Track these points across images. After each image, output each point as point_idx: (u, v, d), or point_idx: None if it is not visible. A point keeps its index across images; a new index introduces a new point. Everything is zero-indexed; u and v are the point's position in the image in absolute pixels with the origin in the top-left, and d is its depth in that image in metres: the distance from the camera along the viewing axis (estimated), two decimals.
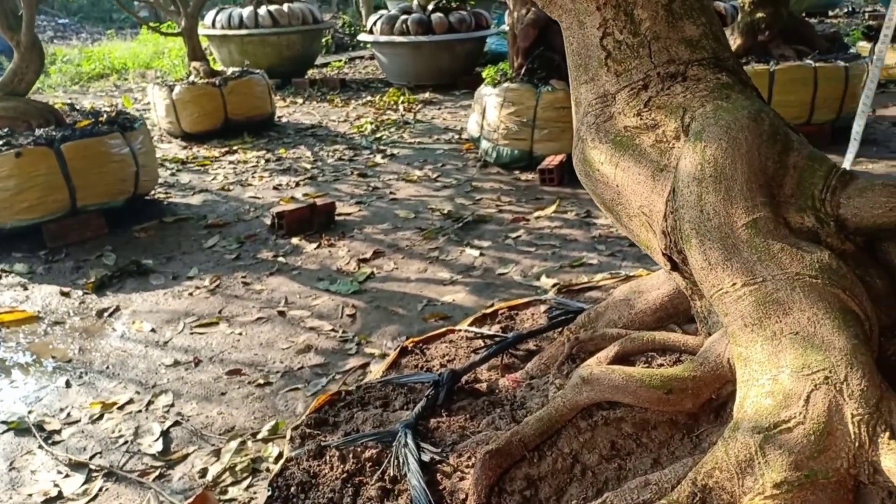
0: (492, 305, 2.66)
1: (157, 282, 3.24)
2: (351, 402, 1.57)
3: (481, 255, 3.37)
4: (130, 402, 2.33)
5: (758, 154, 0.95)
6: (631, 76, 1.01)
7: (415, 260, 3.36)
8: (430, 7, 7.78)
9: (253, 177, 4.84)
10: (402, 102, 7.08)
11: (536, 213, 3.88)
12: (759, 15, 4.88)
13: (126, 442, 2.13)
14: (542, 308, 2.01)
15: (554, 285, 2.38)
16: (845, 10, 12.45)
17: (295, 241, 3.64)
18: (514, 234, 3.59)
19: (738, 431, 0.87)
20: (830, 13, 12.06)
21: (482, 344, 1.77)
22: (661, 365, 1.26)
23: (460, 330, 1.91)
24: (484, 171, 4.75)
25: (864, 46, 6.35)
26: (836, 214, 0.96)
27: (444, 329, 1.97)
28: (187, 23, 6.09)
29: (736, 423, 0.88)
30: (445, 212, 3.98)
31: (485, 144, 4.88)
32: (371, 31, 7.92)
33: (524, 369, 1.55)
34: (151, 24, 7.52)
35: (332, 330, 2.73)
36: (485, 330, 1.85)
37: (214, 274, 3.28)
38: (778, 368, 0.86)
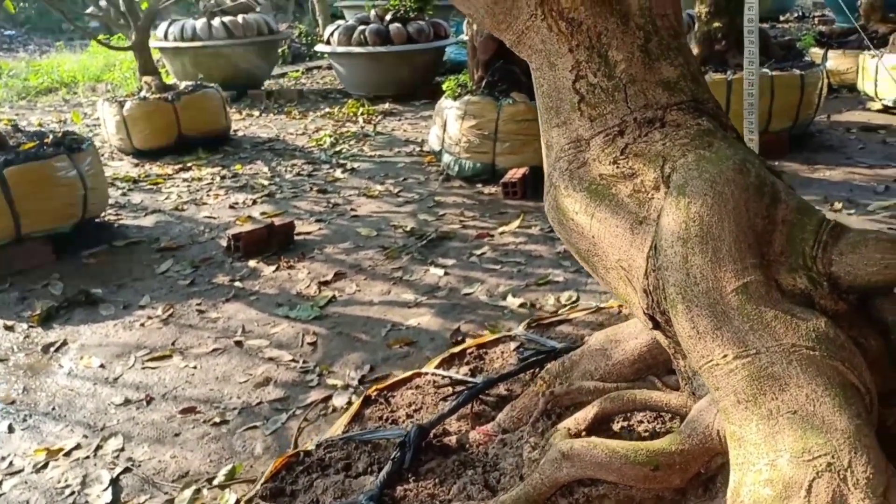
0: (462, 340, 2.59)
1: (106, 312, 3.09)
2: (310, 465, 1.47)
3: (446, 274, 3.29)
4: (78, 447, 2.20)
5: (745, 210, 0.89)
6: (606, 121, 0.94)
7: (378, 281, 3.27)
8: (388, 17, 7.69)
9: (208, 195, 4.69)
10: (362, 114, 6.97)
11: (501, 229, 3.82)
12: (716, 24, 4.90)
13: (73, 493, 2.01)
14: (512, 345, 1.94)
15: (527, 322, 2.30)
16: (795, 14, 12.70)
17: (252, 263, 3.52)
18: (478, 251, 3.53)
19: None
20: (781, 18, 12.28)
21: (451, 390, 1.69)
22: (641, 422, 1.20)
23: (427, 373, 1.83)
24: (446, 185, 4.68)
25: (816, 53, 6.44)
26: (828, 272, 0.91)
27: (409, 373, 1.88)
28: (138, 36, 5.91)
29: None
30: (408, 229, 3.90)
31: (446, 158, 4.81)
32: (328, 42, 7.80)
33: (496, 420, 1.48)
34: (101, 38, 7.29)
35: (293, 360, 2.63)
36: (453, 372, 1.78)
37: (167, 302, 3.14)
38: (776, 452, 0.80)
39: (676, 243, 0.87)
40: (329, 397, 2.38)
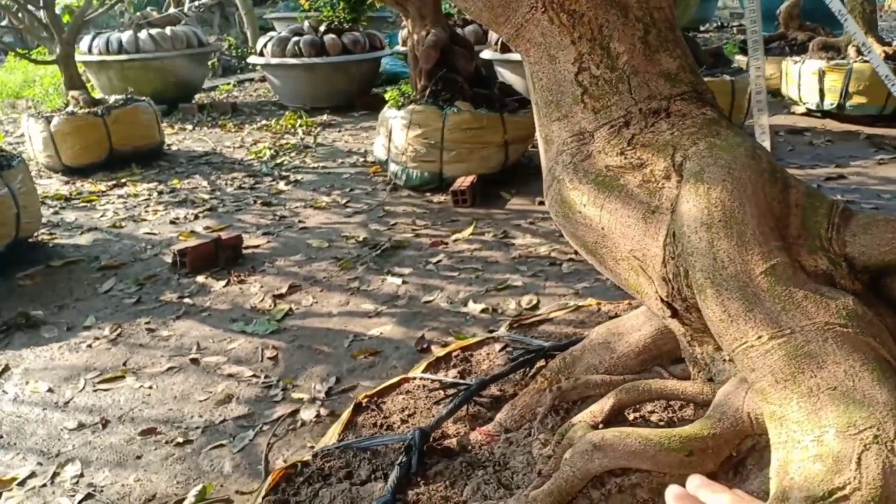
0: (427, 348, 2.57)
1: (49, 334, 2.94)
2: (310, 475, 1.42)
3: (404, 282, 3.26)
4: (32, 475, 2.07)
5: (763, 194, 0.90)
6: (610, 113, 0.95)
7: (335, 292, 3.22)
8: (322, 28, 7.63)
9: (146, 211, 4.53)
10: (301, 126, 6.88)
11: (454, 236, 3.82)
12: None
13: None
14: (497, 347, 1.93)
15: (509, 323, 2.29)
16: (715, 24, 13.24)
17: (200, 279, 3.41)
18: (434, 259, 3.51)
19: (787, 502, 0.81)
20: (702, 28, 12.79)
21: (442, 393, 1.66)
22: (653, 412, 1.20)
23: (415, 378, 1.80)
24: (395, 195, 4.66)
25: (741, 59, 6.73)
26: (843, 253, 0.93)
27: (398, 379, 1.84)
28: (63, 49, 5.68)
29: (783, 493, 0.82)
30: (361, 239, 3.86)
31: (393, 167, 4.79)
32: (262, 54, 7.68)
33: (496, 420, 1.46)
34: (20, 51, 6.97)
35: (254, 375, 2.55)
36: (441, 376, 1.75)
37: (114, 322, 3.01)
38: (821, 428, 0.82)
39: (700, 229, 0.88)
40: (296, 411, 2.32)
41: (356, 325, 2.88)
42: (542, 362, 1.71)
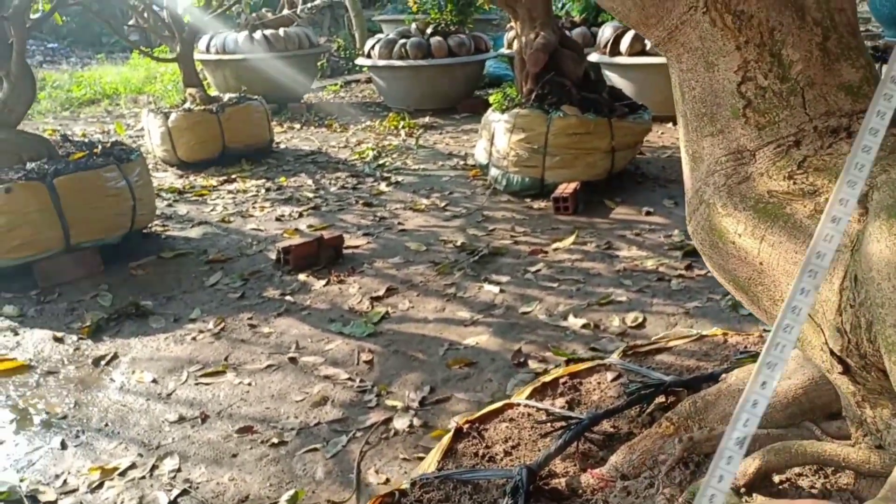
0: (524, 362, 2.48)
1: (157, 325, 3.04)
2: None
3: (501, 291, 3.18)
4: (133, 466, 2.12)
5: None
6: (778, 130, 0.82)
7: (431, 297, 3.17)
8: (429, 31, 7.65)
9: (254, 207, 4.65)
10: (403, 127, 6.92)
11: (554, 245, 3.70)
12: None
13: None
14: (609, 376, 1.81)
15: (622, 350, 2.16)
16: None
17: (302, 277, 3.45)
18: (533, 268, 3.41)
19: None
20: None
21: (549, 425, 1.56)
22: (801, 475, 1.07)
23: (520, 404, 1.71)
24: (494, 200, 4.58)
25: None
26: None
27: (501, 404, 1.76)
28: (182, 48, 5.93)
29: None
30: (458, 244, 3.80)
31: (494, 171, 4.72)
32: (369, 56, 7.78)
33: (610, 463, 1.35)
34: (143, 49, 7.35)
35: (349, 379, 2.54)
36: (548, 404, 1.65)
37: (218, 315, 3.07)
38: None
39: (894, 276, 0.75)
40: (389, 419, 2.29)
41: (451, 333, 2.83)
42: (661, 398, 1.58)
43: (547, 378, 1.89)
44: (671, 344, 2.03)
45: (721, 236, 0.85)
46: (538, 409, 1.63)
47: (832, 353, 0.87)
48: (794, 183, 0.80)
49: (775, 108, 0.81)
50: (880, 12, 9.64)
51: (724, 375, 1.51)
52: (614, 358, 1.98)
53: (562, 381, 1.85)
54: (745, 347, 1.96)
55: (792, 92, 0.81)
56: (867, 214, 0.77)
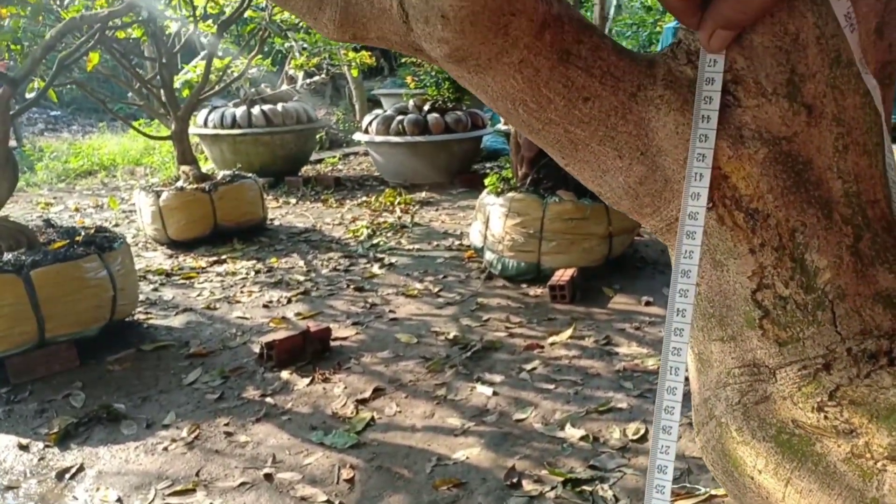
0: (518, 483, 2.30)
1: (128, 431, 2.86)
2: None
3: (494, 393, 3.01)
4: None
5: None
6: (803, 349, 0.68)
7: (420, 400, 3.00)
8: (426, 107, 7.67)
9: (241, 291, 4.51)
10: (399, 203, 6.85)
11: (551, 339, 3.55)
12: None
13: None
14: None
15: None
16: None
17: (285, 374, 3.28)
18: (528, 366, 3.25)
19: None
20: None
21: None
22: None
23: None
24: (489, 285, 4.45)
25: None
26: None
27: None
28: (177, 126, 5.90)
29: None
30: (451, 336, 3.65)
31: (489, 255, 4.60)
32: (366, 131, 7.78)
33: None
34: (140, 123, 7.36)
35: (327, 501, 2.35)
36: None
37: (193, 421, 2.90)
38: None
39: None
40: None
41: (440, 445, 2.65)
42: None
43: None
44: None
45: (737, 467, 0.71)
46: None
47: None
48: (825, 417, 0.66)
49: (798, 323, 0.68)
50: None
51: None
52: None
53: None
54: None
55: (819, 305, 0.67)
56: None
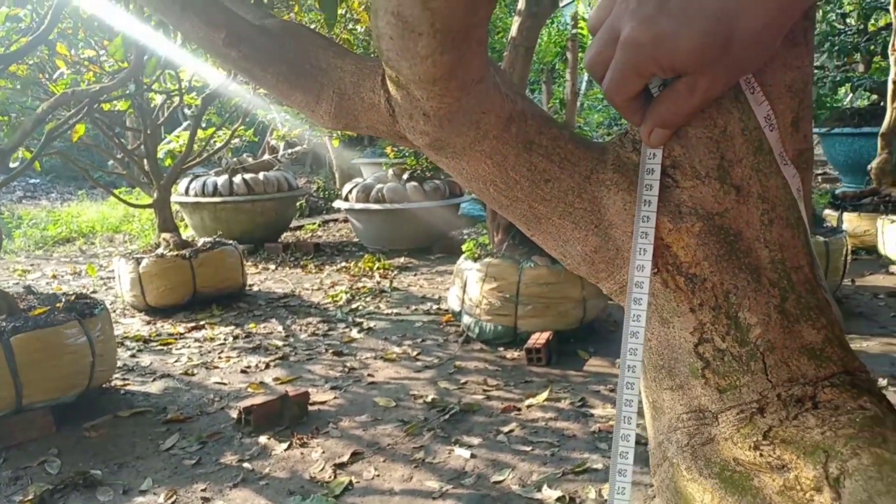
0: None
1: (105, 498, 2.84)
2: None
3: (472, 456, 3.05)
4: None
5: None
6: (740, 395, 0.78)
7: (398, 464, 3.03)
8: (405, 176, 7.87)
9: (220, 357, 4.53)
10: (378, 269, 6.95)
11: (528, 401, 3.61)
12: None
13: None
14: None
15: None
16: None
17: (263, 439, 3.29)
18: (505, 428, 3.30)
19: None
20: None
21: None
22: None
23: None
24: (466, 348, 4.52)
25: (830, 214, 6.47)
26: None
27: None
28: (159, 195, 6.00)
29: None
30: (429, 399, 3.70)
31: (466, 319, 4.69)
32: (346, 199, 7.93)
33: None
34: (122, 191, 7.45)
35: None
36: None
37: (170, 487, 2.89)
38: None
39: None
40: None
41: None
42: None
43: None
44: None
45: (687, 502, 0.80)
46: None
47: None
48: (761, 454, 0.76)
49: (735, 373, 0.78)
50: (836, 159, 10.16)
51: None
52: None
53: None
54: None
55: (752, 357, 0.78)
56: (840, 501, 0.72)
